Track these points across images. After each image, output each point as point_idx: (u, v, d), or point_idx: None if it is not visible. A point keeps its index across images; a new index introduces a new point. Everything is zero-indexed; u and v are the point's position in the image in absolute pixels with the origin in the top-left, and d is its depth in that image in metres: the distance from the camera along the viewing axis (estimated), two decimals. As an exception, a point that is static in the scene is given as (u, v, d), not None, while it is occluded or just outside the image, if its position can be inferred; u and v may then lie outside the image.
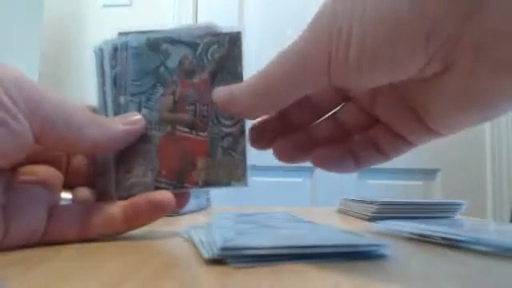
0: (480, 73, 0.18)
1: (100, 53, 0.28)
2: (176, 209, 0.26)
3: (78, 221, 0.25)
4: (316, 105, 0.26)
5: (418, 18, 0.17)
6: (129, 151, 0.26)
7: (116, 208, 0.25)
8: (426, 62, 0.18)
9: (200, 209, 0.54)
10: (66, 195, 0.27)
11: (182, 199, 0.26)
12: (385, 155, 0.25)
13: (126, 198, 0.26)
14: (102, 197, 0.26)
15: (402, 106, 0.23)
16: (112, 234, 0.26)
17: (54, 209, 0.24)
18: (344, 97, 0.26)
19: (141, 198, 0.25)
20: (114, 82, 0.27)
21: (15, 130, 0.20)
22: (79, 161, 0.27)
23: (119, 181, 0.26)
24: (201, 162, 0.26)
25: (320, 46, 0.19)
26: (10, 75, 0.20)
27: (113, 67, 0.27)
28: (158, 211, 0.25)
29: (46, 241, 0.23)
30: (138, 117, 0.26)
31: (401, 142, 0.24)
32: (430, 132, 0.23)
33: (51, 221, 0.24)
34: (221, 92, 0.24)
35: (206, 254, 0.19)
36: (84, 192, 0.27)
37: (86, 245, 0.24)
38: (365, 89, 0.24)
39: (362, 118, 0.26)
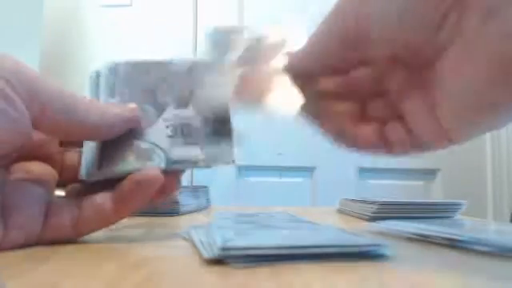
0: (488, 37, 0.18)
1: (96, 77, 0.28)
2: (167, 191, 0.25)
3: (70, 216, 0.24)
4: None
5: None
6: (111, 145, 0.26)
7: (105, 197, 0.25)
8: (439, 21, 0.19)
9: (200, 209, 0.54)
10: (61, 193, 0.27)
11: (171, 179, 0.26)
12: (392, 150, 0.25)
13: (111, 183, 0.25)
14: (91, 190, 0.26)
15: (421, 94, 0.22)
16: (106, 225, 0.25)
17: (49, 206, 0.24)
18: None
19: (127, 180, 0.24)
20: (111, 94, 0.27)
21: (14, 118, 0.20)
22: (73, 158, 0.27)
23: (100, 166, 0.25)
24: None
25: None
26: (10, 63, 0.20)
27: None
28: (145, 189, 0.24)
29: (43, 239, 0.23)
30: (134, 105, 0.26)
31: (413, 143, 0.24)
32: (442, 131, 0.22)
33: (47, 218, 0.24)
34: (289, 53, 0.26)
35: (206, 254, 0.19)
36: (76, 188, 0.27)
37: (85, 245, 0.24)
38: (383, 48, 0.23)
39: (383, 109, 0.25)
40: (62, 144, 0.27)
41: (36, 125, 0.21)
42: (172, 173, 0.26)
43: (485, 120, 0.20)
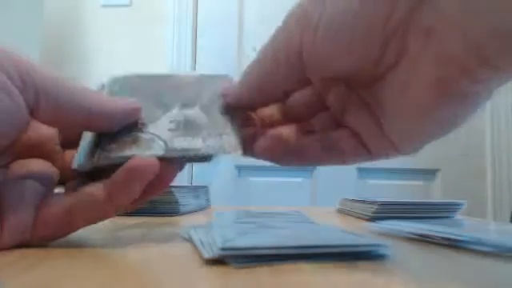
0: (425, 64, 0.18)
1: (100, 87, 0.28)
2: (164, 181, 0.24)
3: (63, 210, 0.23)
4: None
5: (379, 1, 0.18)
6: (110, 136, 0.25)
7: (96, 187, 0.23)
8: (382, 49, 0.19)
9: (200, 209, 0.54)
10: (61, 190, 0.27)
11: (168, 168, 0.24)
12: (342, 159, 0.25)
13: (107, 176, 0.24)
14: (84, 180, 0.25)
15: (368, 115, 0.23)
16: (100, 217, 0.24)
17: (42, 202, 0.24)
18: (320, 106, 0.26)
19: (120, 170, 0.23)
20: None
21: (9, 106, 0.20)
22: (73, 155, 0.27)
23: (98, 153, 0.24)
24: None
25: (292, 30, 0.21)
26: (3, 51, 0.20)
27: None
28: (138, 176, 0.23)
29: (39, 236, 0.23)
30: (134, 100, 0.25)
31: (362, 151, 0.24)
32: (389, 143, 0.22)
33: (38, 213, 0.23)
34: (224, 85, 0.27)
35: (206, 254, 0.19)
36: (75, 184, 0.26)
37: (84, 245, 0.24)
38: (327, 74, 0.23)
39: (327, 121, 0.25)
40: (63, 146, 0.27)
41: (33, 112, 0.21)
42: (169, 162, 0.24)
43: (430, 134, 0.21)
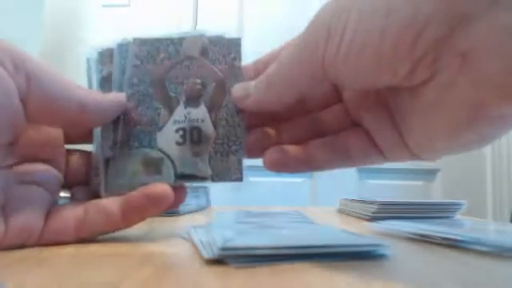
0: (461, 85, 0.17)
1: (87, 62, 0.28)
2: (175, 205, 0.25)
3: (74, 220, 0.24)
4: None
5: (410, 15, 0.17)
6: (120, 155, 0.26)
7: (113, 204, 0.24)
8: (411, 66, 0.18)
9: (200, 209, 0.54)
10: (65, 194, 0.27)
11: (179, 193, 0.26)
12: (351, 161, 0.25)
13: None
14: (96, 196, 0.26)
15: (386, 116, 0.23)
16: (110, 231, 0.25)
17: (51, 208, 0.24)
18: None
19: (138, 193, 0.24)
20: (101, 85, 0.27)
21: (1, 92, 0.20)
22: (77, 160, 0.27)
23: (108, 181, 0.26)
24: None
25: (317, 37, 0.20)
26: None
27: (100, 71, 0.27)
28: (156, 205, 0.24)
29: (43, 241, 0.23)
30: (121, 93, 0.26)
31: (374, 152, 0.24)
32: (407, 150, 0.23)
33: (48, 220, 0.24)
34: (238, 88, 0.26)
35: (206, 254, 0.19)
36: (81, 191, 0.27)
37: (85, 245, 0.24)
38: (354, 88, 0.24)
39: (342, 120, 0.26)
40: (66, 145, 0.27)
41: (24, 100, 0.21)
42: (180, 186, 0.26)
43: (454, 150, 0.21)
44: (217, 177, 0.26)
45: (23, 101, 0.21)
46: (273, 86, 0.23)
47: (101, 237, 0.26)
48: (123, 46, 0.27)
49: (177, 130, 0.26)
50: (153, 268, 0.18)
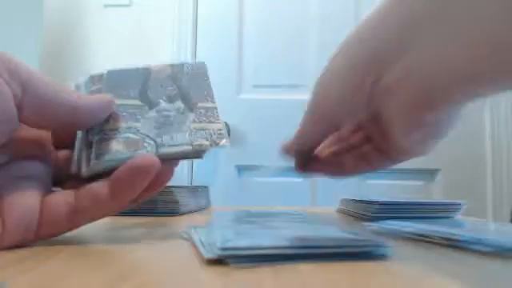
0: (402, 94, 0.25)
1: (76, 87, 0.29)
2: (163, 180, 0.25)
3: (66, 206, 0.24)
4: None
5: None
6: (103, 139, 0.26)
7: (100, 184, 0.24)
8: (368, 97, 0.28)
9: (200, 209, 0.54)
10: (56, 189, 0.27)
11: (167, 167, 0.25)
12: (371, 166, 0.35)
13: (107, 174, 0.24)
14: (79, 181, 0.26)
15: (375, 123, 0.30)
16: (102, 215, 0.25)
17: (44, 201, 0.24)
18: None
19: (123, 167, 0.24)
20: None
21: None
22: (66, 156, 0.27)
23: (91, 158, 0.25)
24: None
25: (363, 72, 0.27)
26: None
27: (89, 88, 0.28)
28: (142, 175, 0.24)
29: (41, 235, 0.23)
30: (108, 95, 0.27)
31: (384, 157, 0.32)
32: (399, 147, 0.29)
33: (42, 212, 0.23)
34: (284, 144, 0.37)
35: (206, 254, 0.19)
36: (73, 183, 0.27)
37: (85, 245, 0.24)
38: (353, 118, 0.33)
39: (359, 136, 0.34)
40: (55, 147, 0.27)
41: (19, 105, 0.21)
42: (166, 161, 0.25)
43: (426, 138, 0.28)
44: (199, 144, 0.26)
45: (18, 106, 0.22)
46: (304, 130, 0.35)
47: (100, 237, 0.26)
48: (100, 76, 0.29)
49: (156, 119, 0.27)
50: (153, 268, 0.18)
